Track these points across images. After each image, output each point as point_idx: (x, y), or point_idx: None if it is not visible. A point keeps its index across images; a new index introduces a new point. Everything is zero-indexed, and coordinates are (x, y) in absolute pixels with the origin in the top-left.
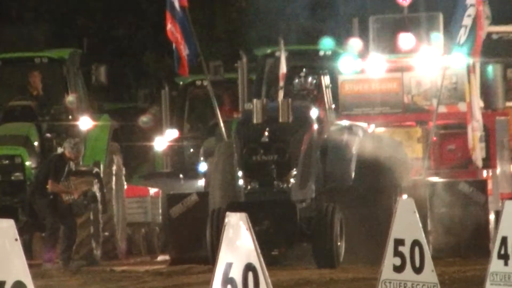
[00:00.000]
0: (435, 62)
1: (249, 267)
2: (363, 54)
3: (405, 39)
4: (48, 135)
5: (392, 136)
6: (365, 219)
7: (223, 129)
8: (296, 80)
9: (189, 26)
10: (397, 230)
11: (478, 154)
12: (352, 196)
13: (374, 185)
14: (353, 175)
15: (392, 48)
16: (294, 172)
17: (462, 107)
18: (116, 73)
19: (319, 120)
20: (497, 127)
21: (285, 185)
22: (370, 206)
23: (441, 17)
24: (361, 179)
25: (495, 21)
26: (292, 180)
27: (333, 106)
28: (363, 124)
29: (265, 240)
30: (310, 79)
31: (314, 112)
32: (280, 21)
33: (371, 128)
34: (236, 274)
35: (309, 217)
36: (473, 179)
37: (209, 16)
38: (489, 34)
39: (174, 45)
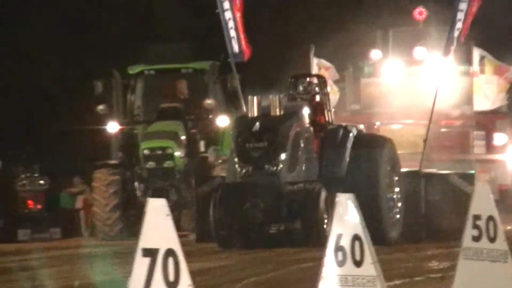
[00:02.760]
0: (443, 69)
1: (356, 237)
2: (382, 62)
3: (418, 51)
4: (193, 131)
5: (399, 132)
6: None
7: None
8: (300, 87)
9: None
10: (475, 207)
11: (473, 150)
12: (345, 184)
13: (364, 175)
14: (346, 166)
15: (407, 57)
16: (283, 157)
17: (464, 109)
18: (246, 81)
19: (311, 117)
20: (497, 127)
21: (274, 168)
22: (360, 194)
23: None
24: (353, 170)
25: None
26: (281, 165)
27: (333, 109)
28: (359, 125)
29: (256, 217)
30: (311, 86)
31: (305, 110)
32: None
33: (377, 124)
34: (345, 243)
35: (298, 198)
36: (463, 172)
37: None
38: None
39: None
